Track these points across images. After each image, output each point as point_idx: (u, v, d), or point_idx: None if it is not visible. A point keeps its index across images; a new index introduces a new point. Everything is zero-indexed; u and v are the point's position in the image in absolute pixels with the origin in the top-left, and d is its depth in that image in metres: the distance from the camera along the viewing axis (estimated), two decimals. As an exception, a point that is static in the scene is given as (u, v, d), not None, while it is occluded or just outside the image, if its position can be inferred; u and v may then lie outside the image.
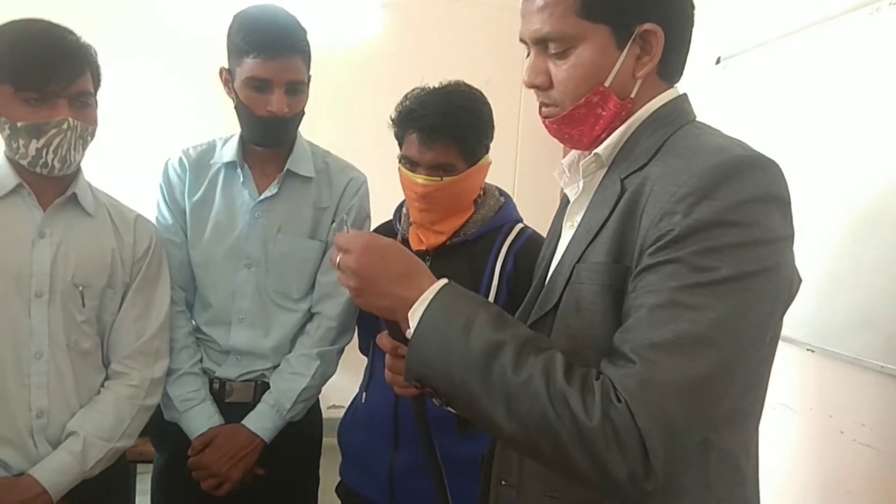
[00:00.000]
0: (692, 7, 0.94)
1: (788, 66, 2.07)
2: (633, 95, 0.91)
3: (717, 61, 2.37)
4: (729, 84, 2.36)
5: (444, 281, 0.89)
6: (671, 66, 0.93)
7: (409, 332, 0.86)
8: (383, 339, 1.02)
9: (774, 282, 0.80)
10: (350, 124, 2.91)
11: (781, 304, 0.86)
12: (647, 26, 0.88)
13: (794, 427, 2.01)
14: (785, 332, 1.96)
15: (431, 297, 0.86)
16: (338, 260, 0.93)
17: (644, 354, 0.77)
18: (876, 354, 1.71)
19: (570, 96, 0.91)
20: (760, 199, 0.79)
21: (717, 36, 2.39)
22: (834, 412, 1.88)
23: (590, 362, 0.85)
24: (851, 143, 1.82)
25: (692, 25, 0.94)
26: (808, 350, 1.93)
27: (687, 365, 0.75)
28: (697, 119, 0.95)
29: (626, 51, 0.88)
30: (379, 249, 0.92)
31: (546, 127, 0.97)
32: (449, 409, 0.88)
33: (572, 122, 0.93)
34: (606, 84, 0.89)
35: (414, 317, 0.86)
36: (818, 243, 1.90)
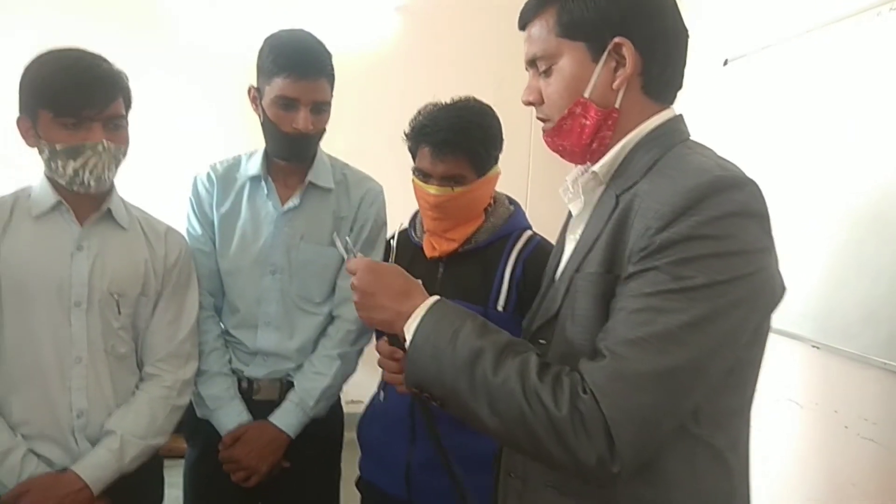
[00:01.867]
0: (676, 26, 0.99)
1: (794, 67, 2.11)
2: (616, 105, 0.98)
3: (725, 63, 2.40)
4: (736, 85, 2.39)
5: (435, 297, 1.01)
6: (656, 81, 0.99)
7: (407, 344, 0.97)
8: (382, 346, 1.16)
9: (748, 290, 0.86)
10: (366, 128, 2.98)
11: (759, 310, 0.91)
12: (617, 40, 0.95)
13: (801, 422, 2.06)
14: (791, 329, 2.03)
15: (424, 312, 0.98)
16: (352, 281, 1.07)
17: (615, 350, 0.85)
18: (879, 351, 1.75)
19: (556, 108, 1.01)
20: (737, 214, 0.85)
21: (724, 38, 2.42)
22: (839, 407, 1.92)
23: None
24: (855, 144, 1.85)
25: (678, 44, 1.00)
26: (813, 347, 1.97)
27: (654, 359, 0.83)
28: (691, 138, 1.01)
29: (601, 63, 0.96)
30: (378, 269, 1.06)
31: (545, 141, 1.06)
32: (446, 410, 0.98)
33: (561, 134, 1.02)
34: (586, 95, 0.98)
35: (409, 330, 0.98)
36: (823, 242, 1.95)
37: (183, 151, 2.64)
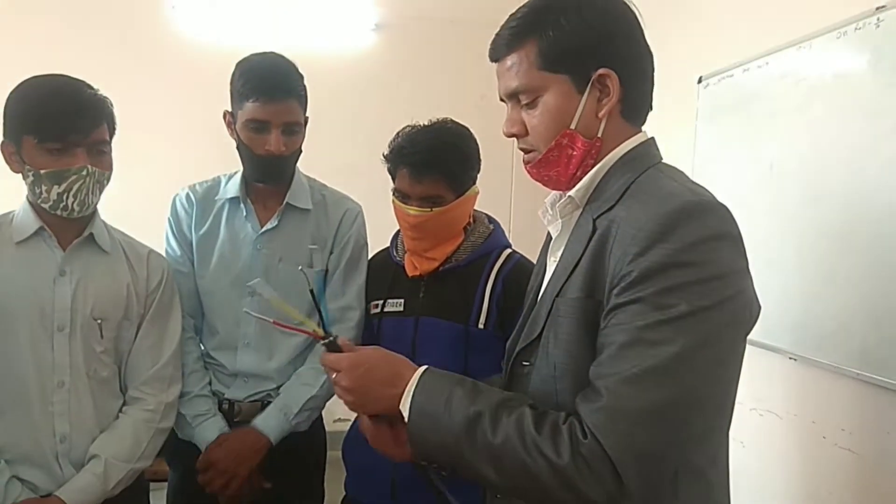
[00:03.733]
0: (648, 52, 1.02)
1: (768, 86, 2.15)
2: (599, 134, 1.00)
3: (699, 80, 2.45)
4: (710, 102, 2.44)
5: (422, 369, 1.01)
6: (634, 105, 1.02)
7: (406, 420, 0.97)
8: (363, 424, 1.11)
9: (730, 312, 0.89)
10: (346, 145, 3.00)
11: (741, 331, 0.93)
12: (601, 71, 0.97)
13: (780, 432, 2.09)
14: (769, 341, 2.06)
15: (414, 387, 0.98)
16: (333, 377, 1.05)
17: (611, 388, 0.86)
18: (852, 362, 1.79)
19: (542, 140, 1.01)
20: (710, 238, 0.88)
21: (699, 57, 2.47)
22: (816, 418, 1.96)
23: (569, 389, 0.96)
24: (828, 162, 1.90)
25: (648, 66, 1.03)
26: (790, 358, 2.01)
27: (650, 395, 0.84)
28: (662, 161, 1.04)
29: (586, 95, 0.98)
30: (364, 363, 1.04)
31: (528, 172, 1.07)
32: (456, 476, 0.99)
33: (548, 165, 1.03)
34: (572, 126, 0.99)
35: (405, 408, 0.98)
36: (798, 258, 1.99)
37: (163, 172, 2.64)
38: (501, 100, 1.07)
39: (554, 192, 1.12)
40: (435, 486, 1.20)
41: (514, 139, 1.08)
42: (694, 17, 2.57)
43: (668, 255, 0.86)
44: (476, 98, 3.03)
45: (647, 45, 1.03)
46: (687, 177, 1.01)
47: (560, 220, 1.07)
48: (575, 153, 1.00)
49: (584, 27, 0.96)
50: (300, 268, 1.29)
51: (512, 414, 0.91)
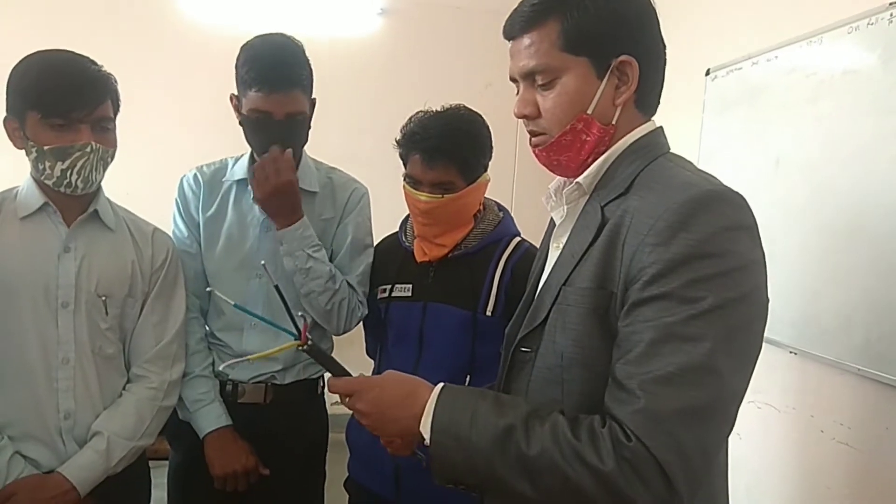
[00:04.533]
0: (663, 44, 1.02)
1: (775, 79, 2.15)
2: (614, 122, 0.99)
3: (707, 73, 2.45)
4: (718, 95, 2.43)
5: (440, 386, 0.98)
6: (647, 96, 1.01)
7: (427, 441, 0.94)
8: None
9: (756, 304, 0.89)
10: (352, 131, 2.98)
11: (764, 321, 0.93)
12: (623, 58, 0.96)
13: (778, 426, 2.10)
14: (770, 335, 2.06)
15: (434, 406, 0.95)
16: (346, 402, 1.04)
17: (649, 389, 0.84)
18: (854, 357, 1.79)
19: (557, 123, 0.99)
20: (729, 228, 0.87)
21: (708, 49, 2.47)
22: (815, 412, 1.97)
23: (576, 378, 0.95)
24: (833, 157, 1.90)
25: (663, 58, 1.03)
26: (791, 353, 2.02)
27: (689, 394, 0.83)
28: (671, 151, 1.03)
29: (605, 80, 0.97)
30: (376, 384, 1.02)
31: (536, 156, 1.06)
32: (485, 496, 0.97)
33: (560, 149, 1.01)
34: (589, 111, 0.98)
35: (425, 429, 0.94)
36: (802, 252, 1.99)
37: (170, 152, 2.63)
38: (512, 79, 1.04)
39: (558, 178, 1.11)
40: None
41: (519, 126, 1.07)
42: (703, 9, 2.56)
43: (690, 246, 0.85)
44: (481, 86, 3.02)
45: (662, 38, 1.02)
46: (695, 166, 1.01)
47: (565, 207, 1.05)
48: (589, 138, 0.99)
49: (609, 12, 0.96)
50: (262, 262, 1.30)
51: (545, 423, 0.88)
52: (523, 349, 1.05)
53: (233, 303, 1.19)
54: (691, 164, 1.01)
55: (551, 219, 1.16)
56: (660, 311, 0.86)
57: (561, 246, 1.05)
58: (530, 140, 1.06)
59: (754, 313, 0.89)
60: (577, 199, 1.05)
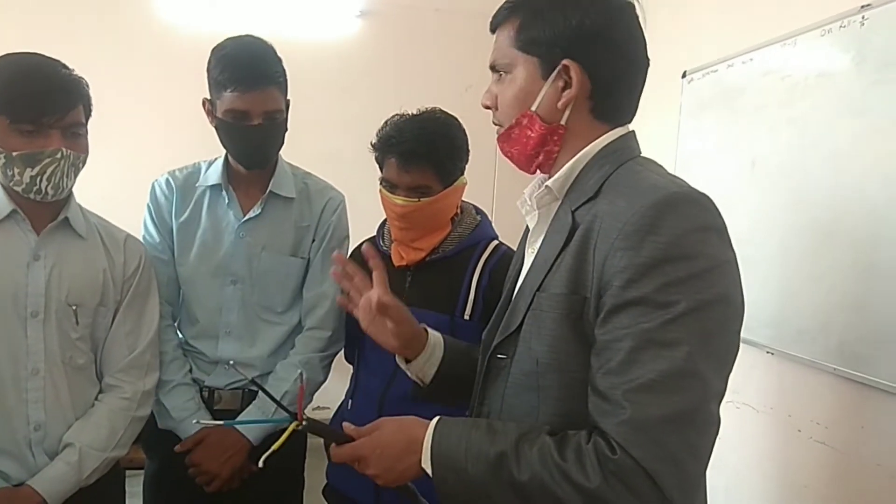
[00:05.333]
0: (633, 56, 1.02)
1: (750, 81, 2.17)
2: (563, 122, 1.01)
3: (684, 75, 2.46)
4: (694, 97, 2.45)
5: (435, 420, 0.99)
6: (604, 105, 1.01)
7: (431, 475, 0.96)
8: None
9: (730, 304, 0.89)
10: (331, 134, 2.96)
11: (739, 320, 0.93)
12: (566, 62, 0.98)
13: (756, 426, 2.12)
14: (747, 335, 2.07)
15: (430, 443, 0.96)
16: (357, 467, 1.04)
17: (633, 398, 0.84)
18: (830, 357, 1.81)
19: (505, 116, 1.05)
20: (697, 229, 0.88)
21: (684, 51, 2.48)
22: (792, 411, 1.98)
23: (553, 384, 0.95)
24: (811, 159, 1.91)
25: (633, 73, 1.03)
26: (768, 353, 2.03)
27: (673, 399, 0.83)
28: (641, 155, 1.04)
29: (549, 81, 0.99)
30: (378, 443, 1.01)
31: (499, 147, 1.09)
32: None
33: (510, 141, 1.05)
34: (533, 108, 1.01)
35: (427, 467, 0.96)
36: (779, 252, 2.00)
37: (146, 157, 2.59)
38: (491, 72, 1.09)
39: (532, 182, 1.12)
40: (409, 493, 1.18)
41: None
42: (679, 12, 2.57)
43: (659, 249, 0.85)
44: (461, 88, 3.01)
45: (642, 53, 1.02)
46: (665, 170, 1.01)
47: (537, 211, 1.07)
48: (532, 134, 1.02)
49: (562, 19, 0.98)
50: (230, 362, 1.33)
51: (534, 446, 0.90)
52: (499, 356, 1.05)
53: (222, 422, 1.31)
54: (661, 167, 1.02)
55: (525, 227, 1.16)
56: (636, 318, 0.86)
57: (535, 251, 1.05)
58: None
59: (730, 313, 0.89)
60: (549, 203, 1.05)
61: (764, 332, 2.02)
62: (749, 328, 2.04)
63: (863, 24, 1.74)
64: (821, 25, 1.86)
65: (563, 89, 0.99)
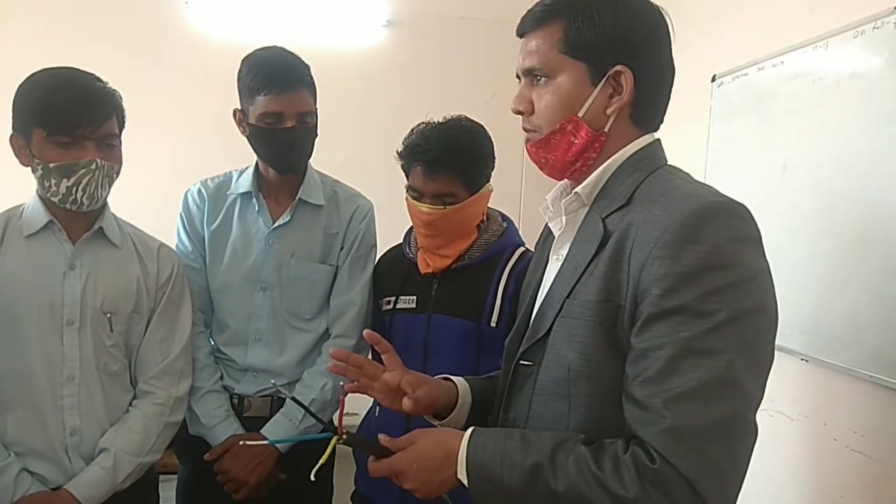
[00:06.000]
0: (669, 65, 1.02)
1: (781, 84, 2.14)
2: (606, 130, 1.00)
3: (713, 79, 2.43)
4: (724, 101, 2.42)
5: (469, 431, 0.99)
6: (644, 112, 1.02)
7: (467, 486, 0.97)
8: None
9: (767, 313, 0.89)
10: (358, 142, 2.99)
11: (775, 329, 0.93)
12: (618, 68, 0.97)
13: (791, 434, 2.08)
14: (781, 342, 2.03)
15: (465, 454, 0.96)
16: (396, 481, 1.04)
17: (673, 407, 0.84)
18: (865, 364, 1.77)
19: (547, 121, 1.01)
20: (736, 239, 0.88)
21: (714, 55, 2.46)
22: (827, 420, 1.94)
23: (585, 392, 0.95)
24: (842, 163, 1.88)
25: (668, 80, 1.03)
26: (802, 360, 1.99)
27: (714, 409, 0.83)
28: (668, 163, 1.03)
29: (599, 87, 0.98)
30: (415, 458, 1.01)
31: (527, 151, 1.07)
32: None
33: (548, 147, 1.03)
34: (580, 114, 0.99)
35: (463, 478, 0.96)
36: (811, 258, 1.97)
37: (181, 167, 2.64)
38: (517, 76, 1.07)
39: (556, 188, 1.12)
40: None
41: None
42: (709, 15, 2.55)
43: (699, 258, 0.85)
44: (487, 95, 3.02)
45: (672, 58, 1.02)
46: (693, 178, 1.01)
47: (564, 217, 1.06)
48: (577, 141, 1.00)
49: (613, 23, 0.97)
50: (273, 382, 1.39)
51: (570, 456, 0.89)
52: (524, 362, 1.05)
53: (267, 440, 1.36)
54: (690, 175, 1.01)
55: (544, 229, 1.16)
56: (676, 327, 0.85)
57: (561, 258, 1.04)
58: (526, 136, 1.08)
59: (767, 323, 0.89)
60: (577, 210, 1.05)
61: (797, 339, 1.99)
62: (782, 335, 2.01)
63: (896, 25, 1.70)
64: (853, 27, 1.83)
65: (612, 96, 0.99)
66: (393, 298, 1.65)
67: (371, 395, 1.19)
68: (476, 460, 0.95)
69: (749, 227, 0.90)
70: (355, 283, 1.72)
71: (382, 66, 3.22)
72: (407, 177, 1.58)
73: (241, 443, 1.59)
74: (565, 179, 1.09)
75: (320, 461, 1.03)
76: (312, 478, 1.02)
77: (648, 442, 0.85)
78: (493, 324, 1.53)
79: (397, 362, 1.17)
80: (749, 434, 0.87)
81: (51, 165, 1.36)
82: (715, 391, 0.83)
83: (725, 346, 0.84)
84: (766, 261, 0.91)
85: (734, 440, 0.85)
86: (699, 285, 0.85)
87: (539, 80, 1.02)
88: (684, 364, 0.84)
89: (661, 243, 0.88)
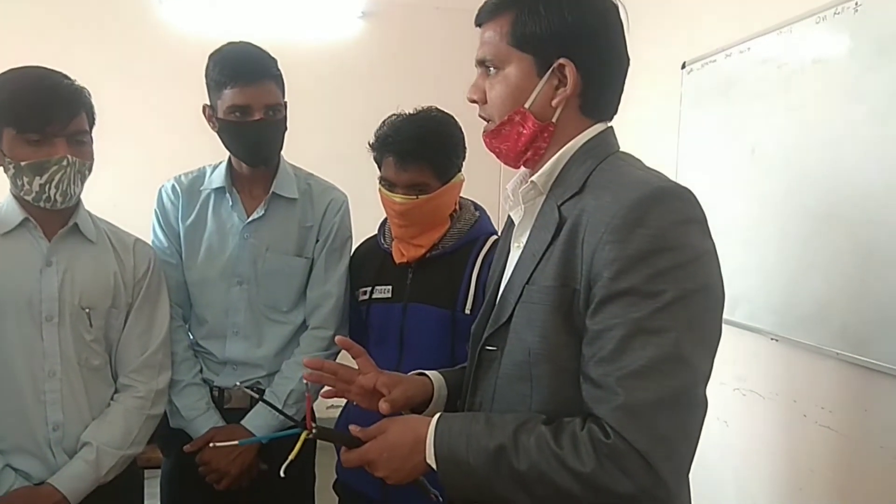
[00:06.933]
0: (619, 56, 1.05)
1: (748, 70, 2.17)
2: (553, 120, 1.03)
3: (683, 66, 2.47)
4: (694, 87, 2.45)
5: (436, 417, 1.02)
6: (593, 102, 1.04)
7: (436, 468, 0.99)
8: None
9: (712, 292, 0.92)
10: (334, 134, 2.99)
11: (721, 308, 0.96)
12: (562, 61, 0.99)
13: (763, 412, 2.13)
14: (752, 322, 2.10)
15: (432, 438, 0.99)
16: (368, 469, 1.06)
17: (625, 385, 0.87)
18: (833, 342, 1.82)
19: (497, 112, 1.05)
20: (681, 222, 0.91)
21: (683, 42, 2.49)
22: (798, 397, 2.00)
23: (545, 374, 0.99)
24: (809, 146, 1.92)
25: (619, 72, 1.05)
26: (773, 339, 2.04)
27: (664, 383, 0.86)
28: (621, 150, 1.06)
29: (544, 79, 1.01)
30: (385, 446, 1.03)
31: (483, 140, 1.11)
32: None
33: (500, 137, 1.06)
34: (527, 106, 1.02)
35: (432, 463, 0.99)
36: (780, 239, 2.01)
37: (157, 162, 2.64)
38: (476, 66, 1.09)
39: (515, 177, 1.15)
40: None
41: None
42: (678, 4, 2.58)
43: (646, 241, 0.89)
44: (464, 86, 3.03)
45: (625, 52, 1.05)
46: (644, 164, 1.04)
47: (522, 206, 1.09)
48: (525, 132, 1.03)
49: (559, 16, 0.99)
50: (238, 383, 1.43)
51: (531, 436, 0.93)
52: (489, 347, 1.08)
53: (237, 441, 1.31)
54: (641, 161, 1.05)
55: (508, 218, 1.19)
56: (626, 308, 0.89)
57: (521, 245, 1.07)
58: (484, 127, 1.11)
59: (713, 301, 0.93)
60: (534, 198, 1.08)
61: (768, 319, 2.03)
62: (752, 315, 2.08)
63: (856, 11, 1.74)
64: (815, 13, 1.87)
65: (557, 88, 1.01)
66: (369, 289, 1.68)
67: (349, 399, 1.22)
68: (443, 445, 0.98)
69: (694, 209, 0.93)
70: (331, 275, 1.74)
71: (358, 58, 3.23)
72: (379, 168, 1.60)
73: (210, 445, 1.61)
74: (523, 168, 1.12)
75: (290, 457, 1.05)
76: (282, 474, 1.04)
77: (603, 419, 0.89)
78: (467, 311, 1.56)
79: (371, 365, 1.20)
80: (699, 407, 0.90)
81: (22, 164, 1.37)
82: (664, 367, 0.87)
83: (673, 324, 0.87)
84: (712, 241, 0.95)
85: (684, 413, 0.88)
86: (647, 267, 0.88)
87: (491, 70, 1.04)
88: (635, 343, 0.88)
89: (610, 228, 0.91)
